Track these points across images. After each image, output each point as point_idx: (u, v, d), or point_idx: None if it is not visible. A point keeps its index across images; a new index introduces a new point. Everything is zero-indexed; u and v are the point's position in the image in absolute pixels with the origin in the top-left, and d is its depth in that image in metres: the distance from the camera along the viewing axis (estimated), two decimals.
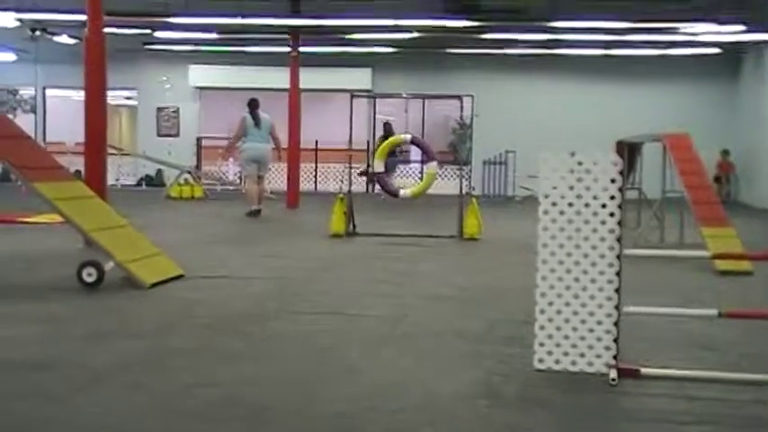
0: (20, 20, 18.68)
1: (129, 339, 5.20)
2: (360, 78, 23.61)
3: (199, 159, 25.71)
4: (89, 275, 6.82)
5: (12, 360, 4.49)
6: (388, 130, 20.09)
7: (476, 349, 5.15)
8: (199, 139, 25.94)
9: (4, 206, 14.35)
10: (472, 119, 23.84)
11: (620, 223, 4.54)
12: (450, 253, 10.38)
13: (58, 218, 11.56)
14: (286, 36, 18.68)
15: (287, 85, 18.23)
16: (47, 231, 11.59)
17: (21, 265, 8.39)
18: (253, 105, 14.90)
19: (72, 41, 21.81)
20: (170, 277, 7.35)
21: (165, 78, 25.86)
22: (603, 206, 4.55)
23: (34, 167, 7.07)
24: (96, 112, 10.04)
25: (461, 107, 12.14)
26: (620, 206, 4.53)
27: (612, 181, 4.53)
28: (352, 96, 12.47)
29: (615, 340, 4.56)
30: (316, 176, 25.68)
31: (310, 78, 19.20)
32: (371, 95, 17.55)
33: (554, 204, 4.59)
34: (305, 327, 5.75)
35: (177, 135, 26.15)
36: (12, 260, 8.68)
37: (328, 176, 25.68)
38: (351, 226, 11.88)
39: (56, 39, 21.68)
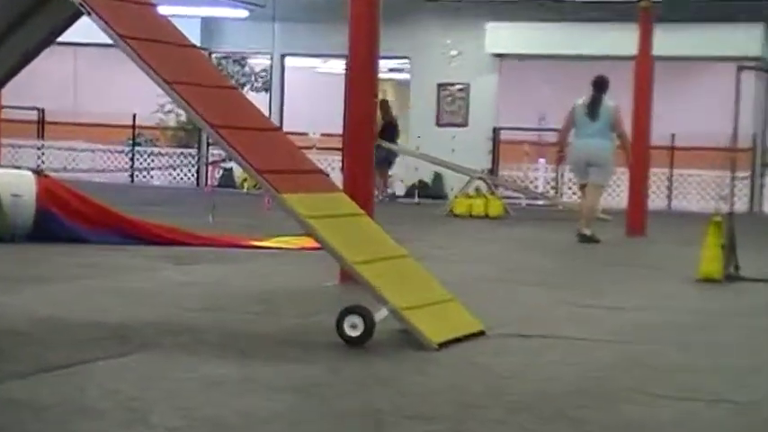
0: None
1: (416, 423, 5.36)
2: (744, 42, 22.91)
3: (495, 160, 25.91)
4: (353, 327, 7.06)
5: None
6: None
7: None
8: (496, 131, 26.11)
9: (223, 224, 15.16)
10: None
11: None
12: None
13: (300, 242, 12.18)
14: None
15: (630, 52, 18.03)
16: (285, 259, 12.19)
17: (255, 307, 8.83)
18: (597, 86, 15.18)
19: None
20: (466, 334, 7.49)
21: (449, 43, 26.38)
22: None
23: (282, 171, 7.42)
24: (362, 91, 10.38)
25: None
26: None
27: None
28: (739, 69, 12.18)
29: None
30: (670, 188, 25.24)
31: (664, 41, 18.76)
32: (765, 67, 17.06)
33: None
34: (670, 416, 5.71)
35: (465, 124, 26.45)
36: (243, 300, 9.17)
37: (689, 188, 25.15)
38: (731, 266, 11.60)
39: None
